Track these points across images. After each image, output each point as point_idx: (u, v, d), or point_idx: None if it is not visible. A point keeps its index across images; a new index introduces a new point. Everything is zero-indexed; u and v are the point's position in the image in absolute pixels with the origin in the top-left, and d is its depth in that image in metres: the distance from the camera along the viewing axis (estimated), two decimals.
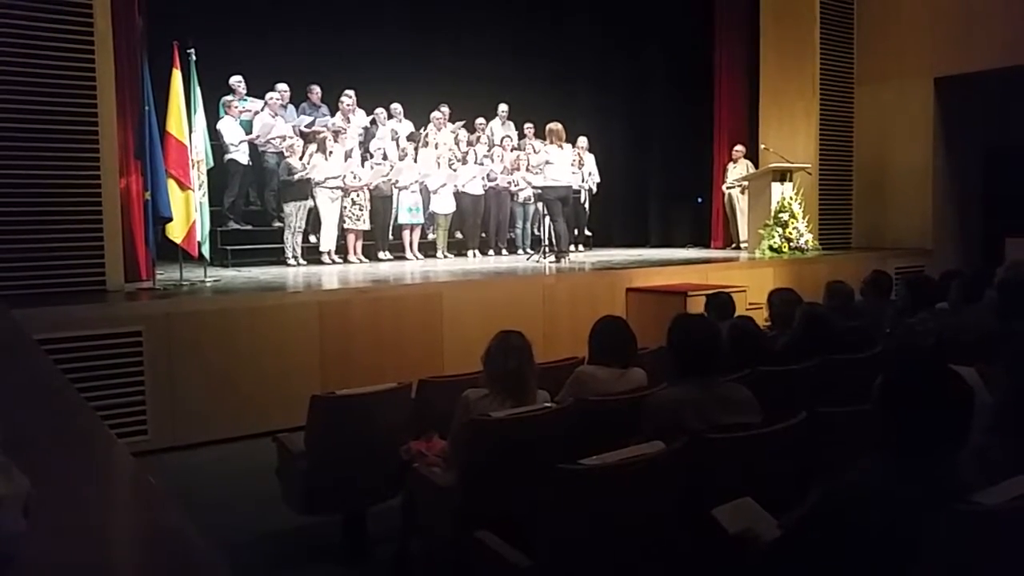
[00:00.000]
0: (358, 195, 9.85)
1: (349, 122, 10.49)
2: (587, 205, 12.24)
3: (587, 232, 12.47)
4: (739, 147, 11.80)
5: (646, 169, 13.96)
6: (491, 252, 11.40)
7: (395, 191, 10.40)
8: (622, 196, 13.98)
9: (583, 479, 2.60)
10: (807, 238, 10.36)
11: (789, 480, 2.89)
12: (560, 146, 9.45)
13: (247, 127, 10.10)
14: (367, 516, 4.18)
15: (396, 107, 11.34)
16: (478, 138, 11.80)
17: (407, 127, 11.34)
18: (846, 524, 2.03)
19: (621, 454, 2.74)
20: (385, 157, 10.42)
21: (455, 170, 10.86)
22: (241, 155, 10.01)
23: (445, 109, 11.47)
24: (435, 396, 4.08)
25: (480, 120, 12.14)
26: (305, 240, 9.84)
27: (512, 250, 11.68)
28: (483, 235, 11.36)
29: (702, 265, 9.17)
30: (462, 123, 11.69)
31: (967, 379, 2.20)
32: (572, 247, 10.72)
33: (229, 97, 10.09)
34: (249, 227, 10.20)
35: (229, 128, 9.93)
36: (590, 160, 12.17)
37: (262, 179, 10.30)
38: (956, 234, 11.43)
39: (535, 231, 11.57)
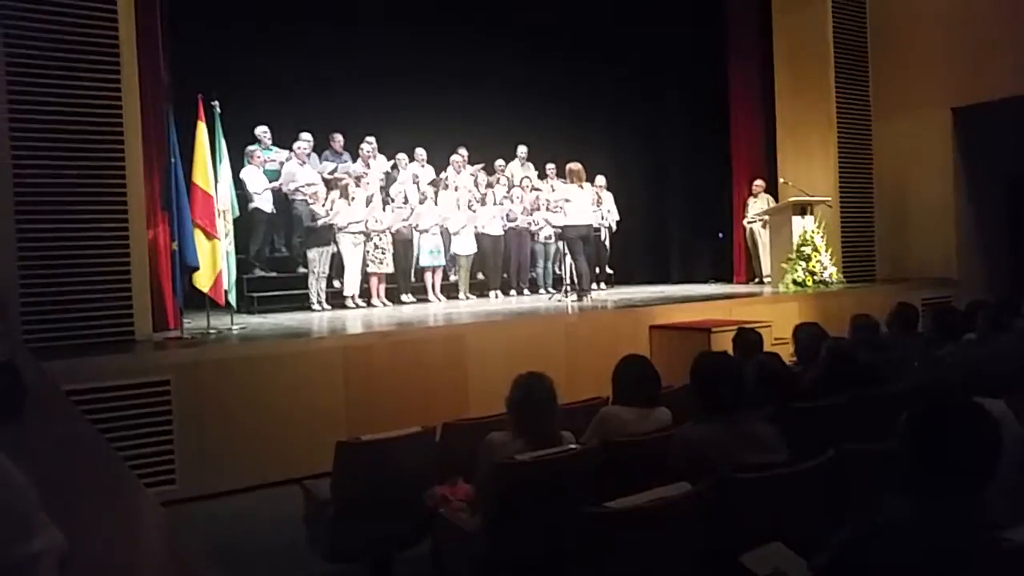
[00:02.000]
0: (380, 239, 9.81)
1: (369, 167, 10.51)
2: (607, 243, 12.07)
3: (608, 270, 12.25)
4: (759, 182, 11.69)
5: (666, 205, 13.76)
6: (513, 292, 11.19)
7: (416, 234, 10.35)
8: (643, 233, 13.75)
9: (609, 521, 2.58)
10: (831, 271, 10.16)
11: (818, 519, 2.83)
12: (580, 186, 9.46)
13: (272, 176, 10.11)
14: (394, 562, 4.13)
15: (420, 152, 11.27)
16: (497, 179, 11.65)
17: (428, 172, 11.25)
18: (874, 563, 2.00)
19: (647, 496, 2.71)
20: (406, 201, 10.42)
21: (475, 211, 10.77)
22: (264, 203, 9.96)
23: (464, 152, 11.41)
24: (459, 439, 4.05)
25: (499, 162, 11.99)
26: (329, 285, 9.79)
27: (534, 290, 11.47)
28: (504, 275, 11.17)
29: (725, 301, 9.07)
30: (481, 165, 11.62)
31: (997, 412, 2.17)
32: (594, 285, 10.55)
33: (252, 147, 10.06)
34: (274, 274, 10.08)
35: (252, 176, 9.89)
36: (608, 198, 12.05)
37: (290, 227, 10.22)
38: (983, 263, 11.20)
39: (556, 270, 11.38)
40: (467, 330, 7.16)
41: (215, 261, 7.20)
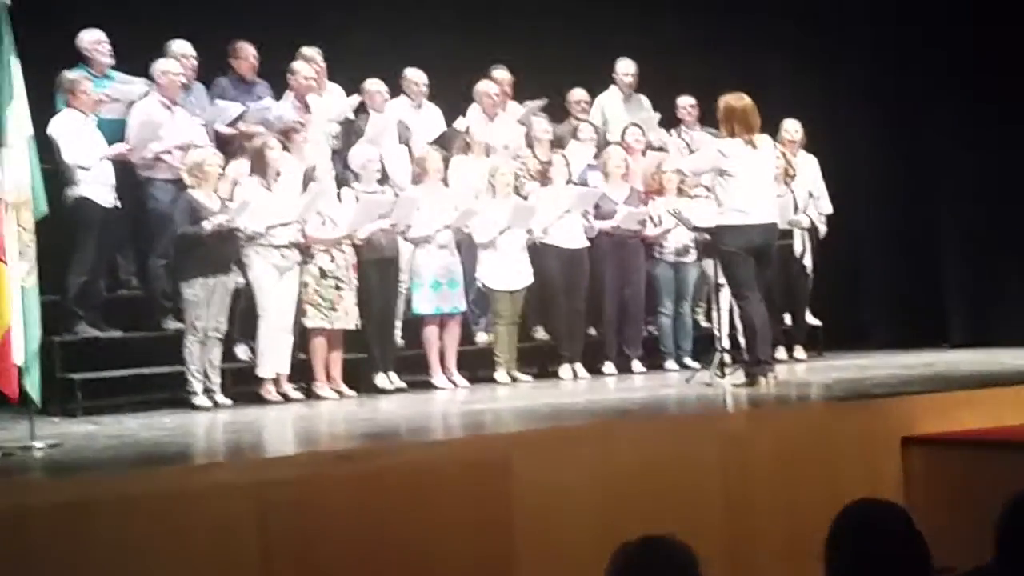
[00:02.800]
0: (332, 259, 7.17)
1: (310, 111, 7.60)
2: (810, 263, 8.13)
3: (812, 319, 8.56)
4: None
5: (932, 192, 9.81)
6: (608, 368, 7.99)
7: (407, 248, 7.52)
8: (884, 246, 9.99)
9: None
10: None
11: None
12: (751, 142, 6.47)
13: (114, 131, 7.20)
14: None
15: (413, 76, 7.94)
16: (574, 131, 8.20)
17: (432, 118, 8.09)
18: None
19: None
20: (385, 179, 7.52)
21: (526, 198, 7.67)
22: (98, 188, 7.03)
23: (504, 75, 8.11)
24: None
25: (577, 94, 8.44)
26: (228, 356, 7.21)
27: (654, 361, 8.16)
28: (591, 333, 8.00)
29: None
30: (540, 102, 8.27)
31: None
32: (780, 352, 7.72)
33: (75, 74, 7.09)
34: (118, 333, 7.28)
35: (72, 134, 6.92)
36: (811, 168, 8.17)
37: (145, 234, 7.52)
38: None
39: (701, 319, 8.32)
40: (515, 449, 5.33)
41: None
